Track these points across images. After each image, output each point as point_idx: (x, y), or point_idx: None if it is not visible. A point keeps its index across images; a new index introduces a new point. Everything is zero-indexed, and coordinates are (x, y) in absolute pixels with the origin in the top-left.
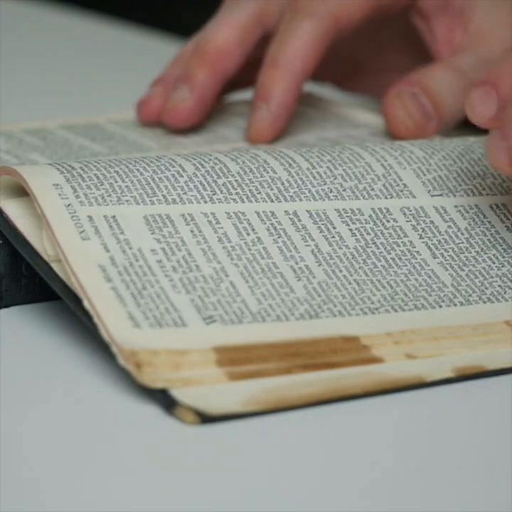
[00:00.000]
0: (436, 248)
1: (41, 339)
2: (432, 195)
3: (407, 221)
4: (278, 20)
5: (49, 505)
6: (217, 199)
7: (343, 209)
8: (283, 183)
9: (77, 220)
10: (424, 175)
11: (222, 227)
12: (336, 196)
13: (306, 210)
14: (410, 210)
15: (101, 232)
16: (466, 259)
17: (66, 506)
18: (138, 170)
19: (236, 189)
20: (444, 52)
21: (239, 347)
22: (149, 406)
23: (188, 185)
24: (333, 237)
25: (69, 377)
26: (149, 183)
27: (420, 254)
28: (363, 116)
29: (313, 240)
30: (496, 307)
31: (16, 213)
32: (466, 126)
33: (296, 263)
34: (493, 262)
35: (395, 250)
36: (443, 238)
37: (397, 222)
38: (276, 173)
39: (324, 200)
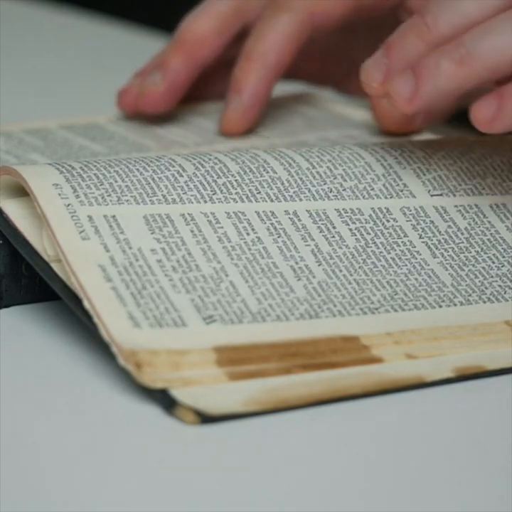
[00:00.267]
0: (436, 248)
1: (41, 339)
2: (431, 195)
3: (407, 221)
4: (257, 15)
5: (49, 505)
6: (217, 199)
7: (343, 209)
8: (283, 183)
9: (77, 220)
10: (424, 174)
11: (222, 227)
12: (336, 196)
13: (306, 210)
14: (410, 210)
15: (101, 231)
16: (466, 259)
17: (66, 506)
18: (138, 170)
19: (236, 189)
20: None
21: (239, 347)
22: (149, 406)
23: (187, 185)
24: (333, 236)
25: (69, 377)
26: (149, 183)
27: (420, 254)
28: (364, 116)
29: (313, 239)
30: (495, 307)
31: (16, 213)
32: (463, 124)
33: (296, 263)
34: (493, 262)
35: (395, 250)
36: (443, 238)
37: (397, 221)
38: (276, 172)
39: (324, 199)
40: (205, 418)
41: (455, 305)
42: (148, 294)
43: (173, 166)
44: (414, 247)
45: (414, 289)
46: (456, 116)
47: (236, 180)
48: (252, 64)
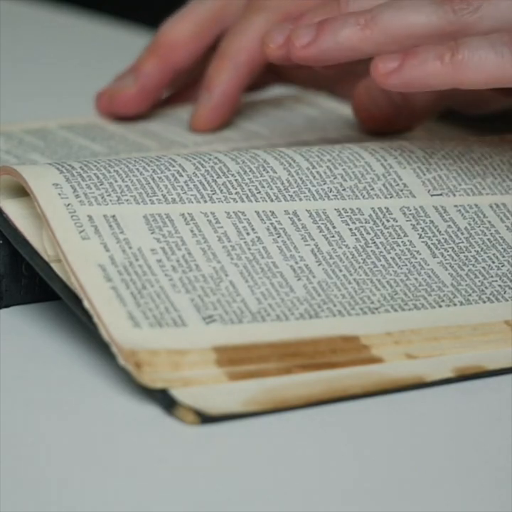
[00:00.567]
0: (436, 248)
1: (41, 339)
2: (431, 195)
3: (407, 221)
4: (237, 18)
5: (49, 505)
6: (217, 198)
7: (343, 208)
8: (283, 183)
9: (76, 220)
10: (424, 174)
11: (222, 227)
12: (336, 196)
13: (306, 210)
14: (410, 210)
15: (101, 231)
16: (466, 259)
17: (66, 506)
18: (137, 169)
19: (236, 189)
20: None
21: (238, 347)
22: (149, 406)
23: (187, 185)
24: (333, 236)
25: (69, 377)
26: (149, 183)
27: (420, 254)
28: None
29: (313, 239)
30: (495, 307)
31: (16, 213)
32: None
33: (296, 262)
34: (493, 262)
35: (395, 250)
36: (443, 238)
37: (396, 221)
38: (276, 172)
39: (324, 199)
40: (205, 418)
41: (455, 305)
42: (148, 294)
43: (173, 166)
44: (414, 246)
45: (414, 289)
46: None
47: (236, 180)
48: (224, 62)
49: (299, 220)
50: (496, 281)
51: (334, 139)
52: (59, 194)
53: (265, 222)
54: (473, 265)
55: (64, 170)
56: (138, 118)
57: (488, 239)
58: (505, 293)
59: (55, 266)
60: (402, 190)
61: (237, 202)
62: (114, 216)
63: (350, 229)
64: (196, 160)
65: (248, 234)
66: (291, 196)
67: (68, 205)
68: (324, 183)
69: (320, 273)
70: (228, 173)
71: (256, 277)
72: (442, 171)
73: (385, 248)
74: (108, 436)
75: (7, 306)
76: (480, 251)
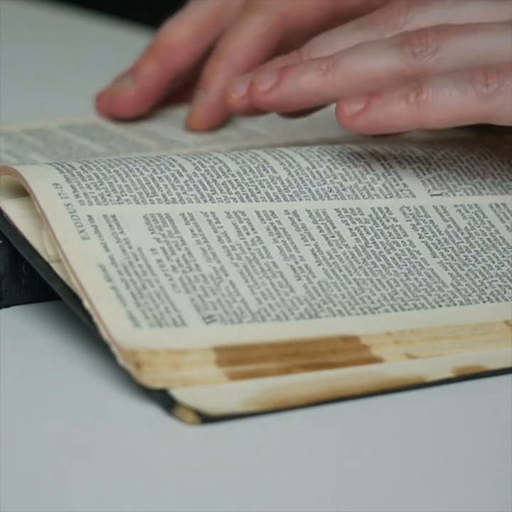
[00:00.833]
0: (436, 247)
1: (41, 339)
2: (431, 195)
3: (407, 220)
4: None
5: (49, 505)
6: (217, 198)
7: (343, 208)
8: (283, 183)
9: (76, 220)
10: (424, 174)
11: (221, 227)
12: (336, 196)
13: (306, 210)
14: (410, 210)
15: (101, 231)
16: (466, 259)
17: (66, 506)
18: (137, 169)
19: (236, 188)
20: None
21: (238, 347)
22: (149, 406)
23: (187, 185)
24: (333, 236)
25: (69, 377)
26: (149, 183)
27: (420, 254)
28: None
29: (313, 239)
30: (495, 307)
31: (16, 213)
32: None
33: (296, 262)
34: (493, 262)
35: (395, 249)
36: (443, 238)
37: (396, 221)
38: (276, 172)
39: (324, 199)
40: (205, 418)
41: (455, 305)
42: (148, 294)
43: (173, 166)
44: (414, 246)
45: (414, 289)
46: None
47: (236, 180)
48: (220, 62)
49: (299, 219)
50: (496, 281)
51: (334, 139)
52: (59, 194)
53: (265, 222)
54: (473, 265)
55: (64, 170)
56: (138, 118)
57: (488, 239)
58: (505, 293)
59: (55, 266)
60: (402, 190)
61: (237, 202)
62: (114, 216)
63: (350, 229)
64: (196, 160)
65: (248, 234)
66: (291, 196)
67: (68, 204)
68: (324, 183)
69: (320, 273)
70: (228, 173)
71: (256, 277)
72: (442, 171)
73: (385, 248)
74: (108, 436)
75: (7, 306)
76: (480, 251)
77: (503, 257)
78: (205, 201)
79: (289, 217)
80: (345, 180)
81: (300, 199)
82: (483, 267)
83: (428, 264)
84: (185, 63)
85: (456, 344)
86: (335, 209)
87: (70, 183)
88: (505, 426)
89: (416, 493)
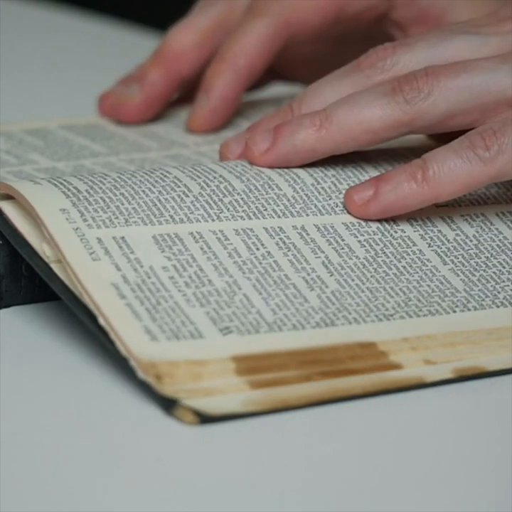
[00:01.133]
0: (446, 255)
1: (41, 339)
2: (437, 206)
3: (415, 231)
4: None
5: (49, 505)
6: (224, 217)
7: (351, 222)
8: (288, 200)
9: (86, 243)
10: None
11: (231, 243)
12: (343, 210)
13: (314, 225)
14: (417, 221)
15: (111, 252)
16: (477, 265)
17: (66, 506)
18: (143, 191)
19: (242, 207)
20: None
21: (257, 356)
22: (149, 406)
23: (194, 205)
24: (343, 248)
25: (69, 378)
26: (156, 205)
27: (430, 262)
28: None
29: (322, 251)
30: (509, 311)
31: (16, 214)
32: None
33: (308, 274)
34: (504, 267)
35: (405, 258)
36: (452, 246)
37: (404, 232)
38: (281, 189)
39: (331, 214)
40: (205, 418)
41: (469, 310)
42: (163, 309)
43: (179, 187)
44: (424, 255)
45: (428, 295)
46: None
47: (242, 199)
48: (223, 66)
49: (308, 234)
50: (509, 285)
51: None
52: (67, 219)
53: (274, 238)
54: (484, 270)
55: (70, 194)
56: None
57: (497, 245)
58: None
59: (54, 266)
60: None
61: (244, 219)
62: (123, 237)
63: (359, 241)
64: (201, 179)
65: (258, 249)
66: (297, 212)
67: (77, 228)
68: (330, 199)
69: (332, 283)
70: (234, 192)
71: (269, 289)
72: None
73: (395, 257)
74: (108, 436)
75: (7, 306)
76: (490, 256)
77: None
78: (213, 220)
79: (298, 232)
80: None
81: (307, 215)
82: (494, 272)
83: (439, 271)
84: (190, 70)
85: (474, 349)
86: (342, 223)
87: (77, 208)
88: (505, 426)
89: (416, 493)
